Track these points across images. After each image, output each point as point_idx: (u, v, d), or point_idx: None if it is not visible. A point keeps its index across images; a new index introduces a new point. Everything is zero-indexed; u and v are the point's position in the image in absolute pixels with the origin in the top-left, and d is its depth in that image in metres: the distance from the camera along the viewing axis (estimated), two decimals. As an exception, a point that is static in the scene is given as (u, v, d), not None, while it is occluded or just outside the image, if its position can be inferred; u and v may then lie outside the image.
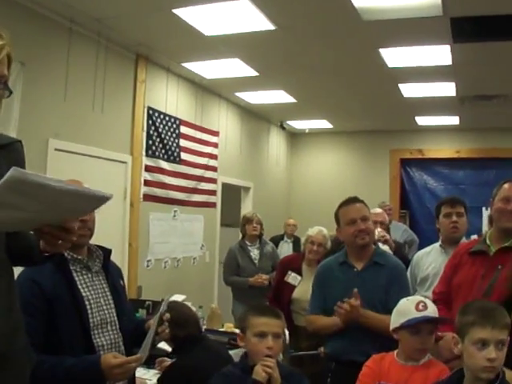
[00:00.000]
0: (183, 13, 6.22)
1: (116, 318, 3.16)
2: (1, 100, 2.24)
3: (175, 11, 6.17)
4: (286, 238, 10.49)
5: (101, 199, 2.00)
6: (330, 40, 7.02)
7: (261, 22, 6.39)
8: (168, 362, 4.12)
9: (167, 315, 3.15)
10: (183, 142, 8.88)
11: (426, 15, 5.94)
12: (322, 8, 6.05)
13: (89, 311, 3.02)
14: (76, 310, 2.97)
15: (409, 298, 3.51)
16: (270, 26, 6.49)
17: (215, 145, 9.91)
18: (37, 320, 2.88)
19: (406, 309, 3.36)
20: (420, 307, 3.30)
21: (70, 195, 1.86)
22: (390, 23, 6.22)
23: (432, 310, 3.31)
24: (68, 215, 2.07)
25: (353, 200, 4.30)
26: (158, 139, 8.25)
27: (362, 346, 3.86)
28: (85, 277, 3.13)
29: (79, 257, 3.13)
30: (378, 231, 5.68)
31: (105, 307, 3.12)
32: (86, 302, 3.04)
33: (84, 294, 3.05)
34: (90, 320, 3.02)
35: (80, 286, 3.07)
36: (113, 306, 3.17)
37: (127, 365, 2.83)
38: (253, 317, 3.19)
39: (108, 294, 3.19)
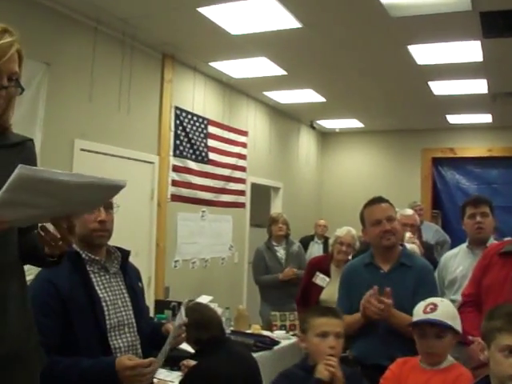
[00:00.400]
0: (208, 11, 6.19)
1: (134, 320, 3.12)
2: (14, 98, 2.21)
3: (200, 10, 6.14)
4: (316, 239, 10.41)
5: (115, 188, 1.99)
6: (357, 37, 6.93)
7: (287, 20, 6.33)
8: (192, 363, 4.07)
9: (185, 319, 3.10)
10: (211, 142, 8.85)
11: (454, 10, 5.83)
12: (349, 5, 5.98)
13: (106, 313, 2.99)
14: (92, 312, 2.94)
15: (427, 299, 3.42)
16: (297, 24, 6.43)
17: (244, 145, 9.87)
18: (52, 321, 2.86)
19: (417, 310, 3.33)
20: (427, 309, 3.24)
21: (82, 187, 1.85)
22: (418, 19, 6.12)
23: (441, 314, 3.22)
24: (83, 207, 2.10)
25: (378, 200, 4.21)
26: (186, 139, 8.23)
27: (389, 350, 3.77)
28: (102, 278, 3.09)
29: (97, 257, 3.10)
30: (408, 236, 5.59)
31: (122, 309, 3.09)
32: (103, 304, 3.00)
33: (101, 296, 3.02)
34: (107, 322, 2.98)
35: (97, 287, 3.03)
36: (130, 307, 3.13)
37: (140, 368, 2.78)
38: (314, 317, 3.27)
39: (126, 295, 3.15)
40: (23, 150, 2.28)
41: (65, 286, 2.92)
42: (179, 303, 5.95)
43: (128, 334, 3.07)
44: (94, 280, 3.04)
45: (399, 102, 10.25)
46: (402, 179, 12.37)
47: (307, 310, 3.53)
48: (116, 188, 1.99)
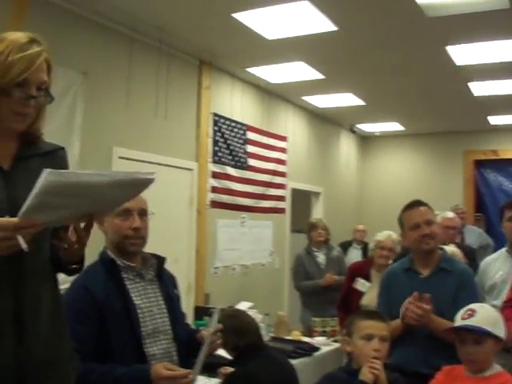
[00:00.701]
0: (243, 17, 6.19)
1: (169, 327, 3.10)
2: (44, 107, 2.22)
3: (235, 15, 6.15)
4: (355, 244, 10.32)
5: (145, 182, 1.99)
6: (394, 39, 6.88)
7: (322, 23, 6.30)
8: (230, 370, 4.04)
9: (219, 325, 3.07)
10: (250, 148, 8.85)
11: (492, 8, 5.73)
12: (384, 6, 5.93)
13: (141, 320, 2.97)
14: (127, 319, 2.93)
15: (469, 305, 3.35)
16: (332, 27, 6.39)
17: (283, 150, 9.84)
18: (88, 328, 2.86)
19: (457, 316, 3.28)
20: (465, 315, 3.20)
21: (112, 185, 1.86)
22: (455, 19, 6.04)
23: (479, 320, 3.15)
24: (114, 204, 2.11)
25: (416, 203, 4.14)
26: (225, 145, 8.23)
27: (428, 357, 3.71)
28: (138, 285, 3.08)
29: (132, 264, 3.09)
30: (452, 250, 5.49)
31: (158, 316, 3.07)
32: (138, 311, 2.99)
33: (136, 303, 3.00)
34: (142, 329, 2.96)
35: (132, 294, 3.02)
36: (166, 314, 3.11)
37: (177, 380, 2.76)
38: (359, 320, 3.28)
39: (161, 302, 3.13)
40: (55, 158, 2.29)
41: (100, 293, 2.92)
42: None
43: (164, 341, 3.05)
44: (129, 287, 3.03)
45: (439, 103, 10.13)
46: (444, 182, 12.23)
47: (351, 314, 3.51)
48: (146, 182, 1.99)
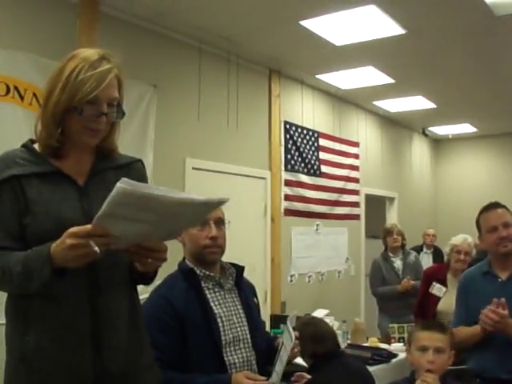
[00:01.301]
0: (310, 24, 6.21)
1: (249, 336, 3.11)
2: (117, 122, 2.26)
3: (302, 23, 6.17)
4: (425, 249, 10.12)
5: (217, 203, 2.01)
6: (463, 39, 6.79)
7: (390, 27, 6.27)
8: (306, 376, 4.04)
9: (296, 333, 3.06)
10: (322, 155, 8.84)
11: None
12: (451, 7, 5.87)
13: (221, 328, 2.99)
14: (208, 328, 2.95)
15: None
16: (400, 31, 6.36)
17: (356, 156, 9.81)
18: (168, 337, 2.89)
19: None
20: None
21: (182, 204, 1.87)
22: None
23: None
24: (185, 224, 2.11)
25: (494, 205, 4.06)
26: (297, 153, 8.25)
27: (508, 363, 3.64)
28: (217, 294, 3.10)
29: (211, 274, 3.11)
30: None
31: (237, 324, 3.08)
32: (218, 320, 3.01)
33: (216, 312, 3.02)
34: (222, 337, 2.98)
35: (212, 304, 3.04)
36: (245, 323, 3.12)
37: None
38: (417, 331, 3.34)
39: (241, 311, 3.14)
40: (130, 170, 2.32)
41: (180, 303, 2.95)
42: (297, 317, 5.93)
43: (243, 350, 3.06)
44: (209, 296, 3.05)
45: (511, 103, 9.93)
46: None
47: (417, 323, 3.54)
48: (218, 203, 2.01)
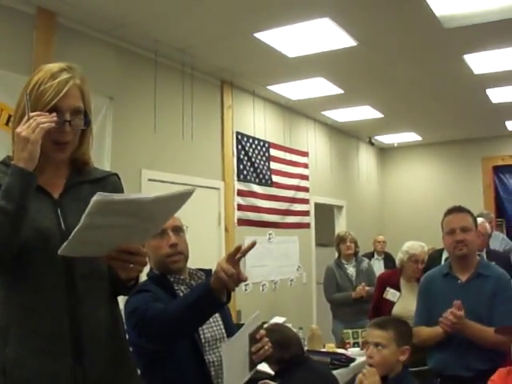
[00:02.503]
0: (264, 36, 6.30)
1: (225, 335, 3.14)
2: (87, 132, 2.31)
3: (256, 35, 6.26)
4: (376, 256, 10.25)
5: (185, 195, 2.03)
6: (413, 51, 6.96)
7: (342, 39, 6.40)
8: (271, 384, 4.10)
9: (262, 332, 3.08)
10: (273, 165, 8.94)
11: (508, 17, 5.82)
12: (403, 20, 6.03)
13: (199, 328, 3.02)
14: None
15: None
16: (352, 43, 6.49)
17: (305, 165, 9.92)
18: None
19: None
20: None
21: (156, 202, 1.92)
22: (473, 28, 6.12)
23: None
24: (162, 219, 2.13)
25: (457, 209, 4.19)
26: (249, 163, 8.33)
27: (467, 360, 3.77)
28: None
29: (182, 277, 3.14)
30: None
31: (213, 324, 3.11)
32: None
33: None
34: (201, 337, 3.01)
35: None
36: (221, 322, 3.15)
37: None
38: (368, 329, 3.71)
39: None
40: (106, 184, 2.37)
41: (161, 298, 2.96)
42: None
43: (220, 349, 3.09)
44: None
45: (457, 111, 10.18)
46: (464, 189, 12.18)
47: None
48: (187, 194, 2.03)
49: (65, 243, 1.90)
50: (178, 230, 3.19)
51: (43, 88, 2.12)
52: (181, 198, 2.03)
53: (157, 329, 2.74)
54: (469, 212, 4.16)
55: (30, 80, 2.18)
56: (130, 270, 2.10)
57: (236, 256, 2.47)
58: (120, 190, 2.45)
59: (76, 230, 1.85)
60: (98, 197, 1.78)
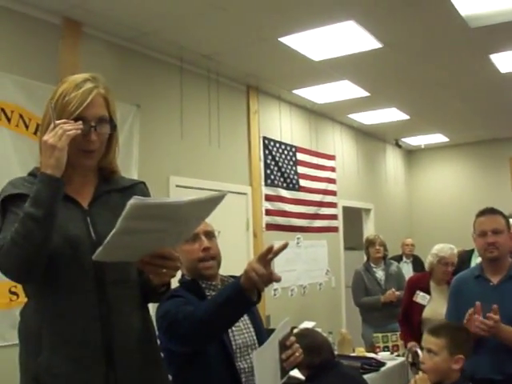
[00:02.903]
0: (289, 40, 6.30)
1: (256, 341, 3.12)
2: (113, 140, 2.34)
3: (281, 39, 6.26)
4: (404, 259, 10.15)
5: (218, 199, 2.02)
6: (438, 52, 6.92)
7: (367, 42, 6.39)
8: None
9: (292, 339, 3.07)
10: (301, 169, 8.93)
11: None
12: (428, 20, 6.00)
13: (230, 335, 3.00)
14: None
15: None
16: (377, 45, 6.48)
17: (332, 169, 9.91)
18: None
19: None
20: None
21: (189, 205, 1.91)
22: (499, 27, 6.09)
23: None
24: (195, 223, 2.15)
25: (488, 211, 4.14)
26: (276, 168, 8.33)
27: (500, 364, 3.73)
28: None
29: (214, 283, 3.13)
30: None
31: (244, 331, 3.08)
32: None
33: None
34: (233, 343, 2.99)
35: None
36: (252, 329, 3.12)
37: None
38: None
39: (246, 318, 3.13)
40: (135, 192, 2.34)
41: (193, 303, 2.92)
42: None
43: (252, 355, 3.05)
44: None
45: (484, 112, 10.11)
46: (492, 190, 12.09)
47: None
48: (220, 198, 2.03)
49: (99, 248, 1.90)
50: (210, 234, 3.17)
51: (68, 98, 2.15)
52: (213, 202, 2.03)
53: (187, 329, 2.71)
54: (501, 214, 4.11)
55: (56, 91, 2.21)
56: (163, 274, 2.12)
57: (268, 256, 2.46)
58: (148, 197, 2.45)
59: (111, 234, 1.85)
60: (133, 200, 1.78)
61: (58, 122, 2.06)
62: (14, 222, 2.03)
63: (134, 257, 2.05)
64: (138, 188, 2.45)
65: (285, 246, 2.45)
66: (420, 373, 3.46)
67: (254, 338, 3.11)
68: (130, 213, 1.80)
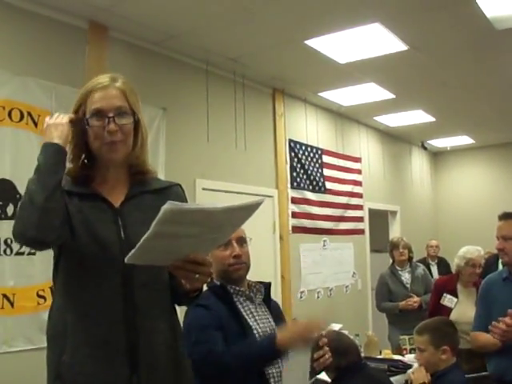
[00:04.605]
0: (316, 43, 6.32)
1: None
2: (139, 135, 2.34)
3: (307, 42, 6.28)
4: (429, 261, 9.93)
5: (254, 206, 2.00)
6: (464, 53, 6.90)
7: (393, 44, 6.39)
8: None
9: (324, 340, 3.08)
10: (327, 171, 8.94)
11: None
12: (453, 22, 5.99)
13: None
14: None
15: None
16: (403, 47, 6.47)
17: (358, 171, 9.91)
18: (215, 333, 2.92)
19: None
20: None
21: (224, 212, 1.91)
22: (525, 29, 6.06)
23: None
24: (229, 229, 2.12)
25: (502, 216, 4.17)
26: (302, 170, 8.34)
27: None
28: (250, 307, 3.13)
29: (242, 289, 3.15)
30: None
31: None
32: (254, 331, 3.03)
33: (251, 324, 3.05)
34: None
35: (246, 317, 3.07)
36: None
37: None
38: None
39: (273, 323, 3.17)
40: (170, 194, 2.35)
41: (220, 314, 2.98)
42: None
43: (279, 361, 3.04)
44: (241, 310, 3.09)
45: (509, 114, 10.03)
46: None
47: None
48: (256, 205, 2.00)
49: (132, 251, 1.90)
50: (242, 241, 3.21)
51: (86, 94, 2.24)
52: (249, 210, 2.01)
53: (210, 368, 2.78)
54: None
55: (80, 93, 2.28)
56: (195, 280, 2.10)
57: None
58: (184, 200, 2.45)
59: (144, 237, 1.85)
60: (168, 205, 1.77)
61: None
62: None
63: (166, 261, 2.03)
64: (173, 190, 2.45)
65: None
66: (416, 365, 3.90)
67: None
68: (163, 217, 1.79)
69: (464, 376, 3.94)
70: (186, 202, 2.49)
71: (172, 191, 2.44)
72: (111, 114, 2.20)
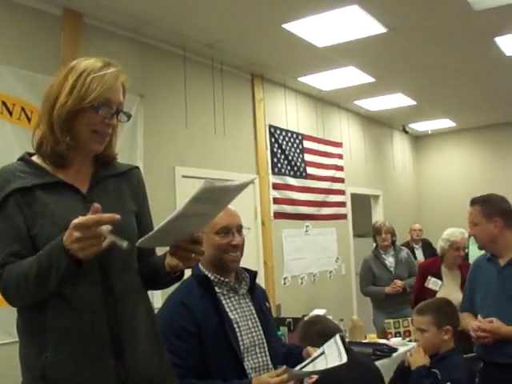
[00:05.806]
0: (293, 27, 6.25)
1: (265, 341, 3.09)
2: (116, 128, 2.28)
3: (285, 26, 6.21)
4: (414, 244, 10.01)
5: (246, 186, 2.02)
6: (443, 36, 6.87)
7: (372, 27, 6.34)
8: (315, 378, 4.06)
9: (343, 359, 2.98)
10: (308, 157, 8.90)
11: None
12: (432, 4, 5.95)
13: (237, 334, 2.98)
14: (225, 334, 2.93)
15: None
16: (382, 29, 6.42)
17: (340, 156, 9.88)
18: (189, 343, 2.86)
19: None
20: None
21: (232, 191, 1.95)
22: (503, 9, 6.02)
23: None
24: (219, 208, 2.12)
25: (471, 202, 4.16)
26: (283, 156, 8.30)
27: (505, 348, 3.77)
28: (232, 299, 3.08)
29: (226, 279, 3.09)
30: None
31: (253, 329, 3.06)
32: (235, 325, 2.99)
33: (232, 317, 3.00)
34: (240, 343, 2.96)
35: (228, 309, 3.02)
36: (260, 328, 3.09)
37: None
38: None
39: (255, 316, 3.12)
40: (131, 177, 2.37)
41: (197, 308, 2.93)
42: (294, 319, 5.95)
43: (259, 355, 3.03)
44: (224, 302, 3.04)
45: (490, 95, 10.05)
46: (502, 175, 12.08)
47: None
48: (247, 185, 2.02)
49: (148, 235, 1.89)
50: (241, 229, 3.15)
51: (93, 76, 2.11)
52: (241, 188, 2.02)
53: None
54: (480, 203, 4.08)
55: (69, 72, 2.14)
56: (191, 259, 2.09)
57: None
58: (143, 183, 2.44)
59: (169, 219, 1.84)
60: (206, 184, 1.78)
61: (92, 217, 1.85)
62: (6, 234, 2.07)
63: (170, 241, 2.04)
64: (134, 173, 2.42)
65: None
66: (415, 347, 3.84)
67: (263, 337, 3.08)
68: (199, 195, 1.80)
69: (465, 359, 3.92)
70: (144, 184, 2.45)
71: (133, 174, 2.41)
72: (115, 108, 2.16)
